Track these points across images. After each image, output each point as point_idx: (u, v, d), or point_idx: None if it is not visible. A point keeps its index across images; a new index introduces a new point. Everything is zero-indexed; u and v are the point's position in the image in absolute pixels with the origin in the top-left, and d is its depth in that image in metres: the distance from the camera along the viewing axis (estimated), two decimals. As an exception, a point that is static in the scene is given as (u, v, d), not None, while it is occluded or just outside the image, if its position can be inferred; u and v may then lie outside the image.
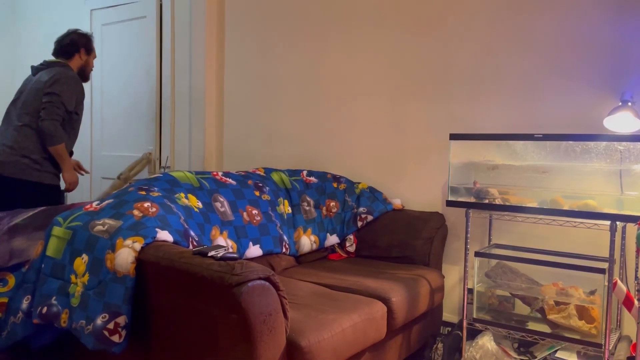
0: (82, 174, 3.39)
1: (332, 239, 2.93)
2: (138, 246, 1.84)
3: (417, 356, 2.66)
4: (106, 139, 4.24)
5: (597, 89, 2.51)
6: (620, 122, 2.30)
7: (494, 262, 2.54)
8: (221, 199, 2.51)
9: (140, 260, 1.82)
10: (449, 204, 2.50)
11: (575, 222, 2.30)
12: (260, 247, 2.54)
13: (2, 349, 2.08)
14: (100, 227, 1.96)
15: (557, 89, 2.61)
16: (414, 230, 2.77)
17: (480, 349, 2.32)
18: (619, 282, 2.03)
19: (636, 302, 1.97)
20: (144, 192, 2.17)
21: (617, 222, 2.10)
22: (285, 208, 2.82)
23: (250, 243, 2.50)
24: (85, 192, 4.43)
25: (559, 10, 2.59)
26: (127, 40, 4.02)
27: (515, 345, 2.47)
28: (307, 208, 2.91)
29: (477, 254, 2.46)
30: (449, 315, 2.90)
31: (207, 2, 3.75)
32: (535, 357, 2.32)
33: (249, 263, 1.68)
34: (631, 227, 2.41)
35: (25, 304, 2.03)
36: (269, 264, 2.59)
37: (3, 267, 2.18)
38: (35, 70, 3.10)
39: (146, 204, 2.06)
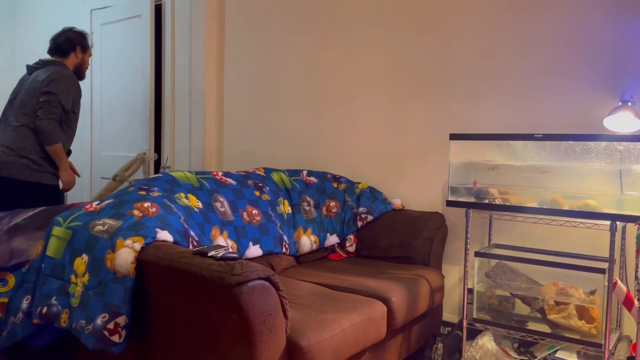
0: (78, 176, 3.40)
1: (332, 239, 2.93)
2: (138, 246, 1.84)
3: (417, 356, 2.66)
4: (106, 139, 4.24)
5: (597, 89, 2.51)
6: (620, 122, 2.30)
7: (494, 262, 2.54)
8: (221, 199, 2.51)
9: (140, 260, 1.82)
10: (449, 204, 2.50)
11: (575, 222, 2.30)
12: (260, 247, 2.54)
13: (2, 349, 2.08)
14: (100, 227, 1.96)
15: (557, 89, 2.61)
16: (414, 230, 2.77)
17: (480, 349, 2.32)
18: (619, 282, 2.03)
19: (636, 302, 1.97)
20: (144, 192, 2.17)
21: (617, 222, 2.10)
22: (285, 208, 2.82)
23: (250, 243, 2.50)
24: (85, 192, 4.43)
25: (559, 10, 2.59)
26: (124, 40, 4.02)
27: (515, 345, 2.47)
28: (307, 208, 2.91)
29: (477, 254, 2.46)
30: (449, 315, 2.90)
31: (207, 1, 3.75)
32: (535, 357, 2.32)
33: (249, 263, 1.68)
34: (631, 227, 2.41)
35: (25, 304, 2.03)
36: (269, 264, 2.59)
37: (3, 267, 2.18)
38: (31, 69, 3.08)
39: (146, 204, 2.06)
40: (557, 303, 2.32)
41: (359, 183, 3.11)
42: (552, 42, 2.61)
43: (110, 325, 1.78)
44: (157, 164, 4.35)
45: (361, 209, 2.94)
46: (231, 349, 1.64)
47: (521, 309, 2.52)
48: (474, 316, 2.47)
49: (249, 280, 1.62)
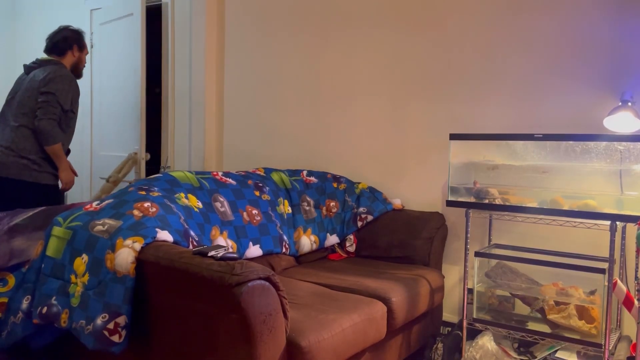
0: (76, 176, 3.39)
1: (332, 239, 2.93)
2: (138, 246, 1.84)
3: (417, 356, 2.66)
4: (105, 139, 4.24)
5: (597, 89, 2.51)
6: (620, 122, 2.30)
7: (494, 262, 2.54)
8: (221, 199, 2.51)
9: (140, 260, 1.82)
10: (449, 204, 2.50)
11: (575, 222, 2.30)
12: (260, 247, 2.54)
13: (2, 349, 2.08)
14: (100, 227, 1.96)
15: (557, 89, 2.61)
16: (414, 230, 2.77)
17: (480, 349, 2.32)
18: (619, 282, 2.03)
19: (636, 302, 1.97)
20: (144, 192, 2.17)
21: (617, 222, 2.10)
22: (285, 208, 2.82)
23: (250, 243, 2.50)
24: (85, 192, 4.43)
25: (559, 10, 2.59)
26: (121, 39, 4.01)
27: (515, 345, 2.47)
28: (307, 208, 2.91)
29: (477, 254, 2.46)
30: (449, 315, 2.90)
31: (207, 1, 3.75)
32: (535, 357, 2.32)
33: (249, 263, 1.68)
34: (631, 227, 2.41)
35: (25, 304, 2.03)
36: (269, 264, 2.59)
37: (3, 267, 2.18)
38: (28, 69, 3.06)
39: (146, 204, 2.06)
40: (557, 303, 2.32)
41: (359, 183, 3.11)
42: (552, 42, 2.61)
43: (110, 325, 1.78)
44: (155, 164, 4.35)
45: (361, 209, 2.94)
46: (231, 349, 1.64)
47: (521, 309, 2.52)
48: (474, 316, 2.47)
49: (249, 280, 1.62)
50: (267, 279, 1.68)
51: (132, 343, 1.89)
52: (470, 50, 2.84)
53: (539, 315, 2.40)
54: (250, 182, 2.74)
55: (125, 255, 1.82)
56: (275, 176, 2.95)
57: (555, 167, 2.32)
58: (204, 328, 1.70)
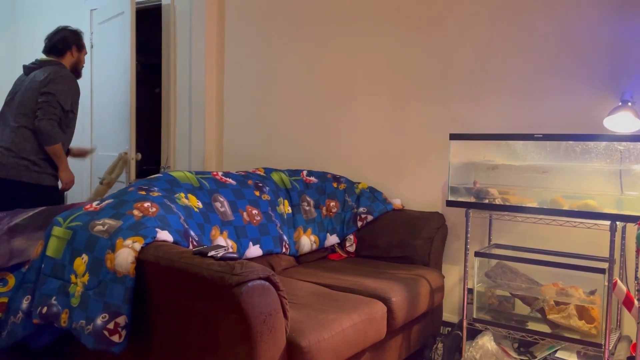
0: (89, 154, 3.37)
1: (332, 239, 2.93)
2: (138, 246, 1.84)
3: (417, 356, 2.66)
4: (105, 139, 4.24)
5: (597, 89, 2.51)
6: (620, 122, 2.30)
7: (494, 262, 2.54)
8: (221, 199, 2.51)
9: (140, 260, 1.82)
10: (449, 204, 2.50)
11: (575, 222, 2.30)
12: (260, 247, 2.54)
13: (2, 349, 2.08)
14: (100, 227, 1.96)
15: (557, 89, 2.61)
16: (414, 230, 2.77)
17: (480, 349, 2.32)
18: (619, 282, 2.03)
19: (636, 302, 1.97)
20: (144, 192, 2.17)
21: (617, 222, 2.10)
22: (285, 208, 2.82)
23: (250, 243, 2.50)
24: (85, 192, 4.43)
25: (559, 10, 2.59)
26: (115, 38, 4.00)
27: (515, 345, 2.47)
28: (307, 208, 2.91)
29: (477, 254, 2.46)
30: (449, 315, 2.90)
31: (207, 1, 3.75)
32: (535, 357, 2.32)
33: (249, 263, 1.68)
34: (631, 227, 2.41)
35: (25, 304, 2.03)
36: (269, 264, 2.59)
37: (3, 267, 2.18)
38: (28, 69, 3.06)
39: (146, 204, 2.06)
40: (557, 303, 2.32)
41: (359, 183, 3.11)
42: (552, 42, 2.61)
43: (110, 325, 1.78)
44: (155, 164, 4.35)
45: (361, 209, 2.94)
46: (231, 349, 1.64)
47: (521, 309, 2.52)
48: (474, 316, 2.47)
49: (249, 280, 1.62)
50: (267, 279, 1.68)
51: (132, 343, 1.89)
52: (470, 50, 2.84)
53: (539, 315, 2.40)
54: (250, 182, 2.74)
55: (125, 255, 1.82)
56: (275, 176, 2.95)
57: (555, 167, 2.32)
58: (204, 328, 1.70)
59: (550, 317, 2.30)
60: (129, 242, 1.85)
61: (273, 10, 3.57)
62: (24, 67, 3.09)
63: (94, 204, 2.14)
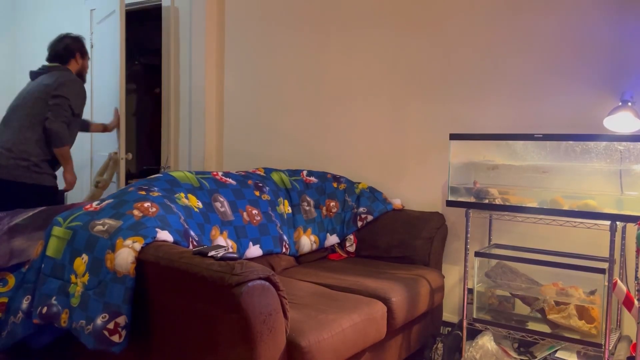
0: (114, 125, 3.42)
1: (332, 239, 2.93)
2: (138, 246, 1.84)
3: (417, 356, 2.66)
4: (104, 139, 4.23)
5: (597, 89, 2.51)
6: (620, 122, 2.30)
7: (494, 262, 2.54)
8: (221, 199, 2.51)
9: (140, 260, 1.82)
10: (449, 204, 2.50)
11: (575, 222, 2.30)
12: (260, 247, 2.54)
13: (2, 349, 2.08)
14: (100, 227, 1.96)
15: (557, 89, 2.61)
16: (414, 230, 2.77)
17: (480, 349, 2.32)
18: (619, 282, 2.03)
19: (636, 302, 1.97)
20: (144, 192, 2.17)
21: (617, 222, 2.10)
22: (285, 208, 2.82)
23: (250, 243, 2.50)
24: (85, 192, 4.43)
25: (559, 10, 2.59)
26: (109, 38, 4.00)
27: (515, 345, 2.47)
28: (307, 208, 2.91)
29: (477, 254, 2.46)
30: (449, 315, 2.90)
31: (207, 1, 3.75)
32: (535, 357, 2.32)
33: (249, 263, 1.68)
34: (631, 227, 2.41)
35: (25, 304, 2.03)
36: (269, 264, 2.59)
37: (3, 267, 2.18)
38: (35, 74, 3.10)
39: (146, 204, 2.06)
40: (557, 303, 2.32)
41: (359, 183, 3.11)
42: (552, 42, 2.61)
43: (110, 325, 1.78)
44: (155, 164, 4.35)
45: (361, 209, 2.94)
46: (231, 349, 1.64)
47: (521, 309, 2.52)
48: (474, 316, 2.47)
49: (249, 280, 1.62)
50: (267, 279, 1.68)
51: (132, 343, 1.90)
52: (470, 50, 2.84)
53: (539, 315, 2.40)
54: (250, 182, 2.75)
55: (125, 255, 1.82)
56: (275, 176, 2.95)
57: (555, 167, 2.32)
58: (204, 328, 1.70)
59: (550, 317, 2.30)
60: (129, 242, 1.85)
61: (273, 11, 3.57)
62: (31, 72, 3.13)
63: (94, 204, 2.14)
